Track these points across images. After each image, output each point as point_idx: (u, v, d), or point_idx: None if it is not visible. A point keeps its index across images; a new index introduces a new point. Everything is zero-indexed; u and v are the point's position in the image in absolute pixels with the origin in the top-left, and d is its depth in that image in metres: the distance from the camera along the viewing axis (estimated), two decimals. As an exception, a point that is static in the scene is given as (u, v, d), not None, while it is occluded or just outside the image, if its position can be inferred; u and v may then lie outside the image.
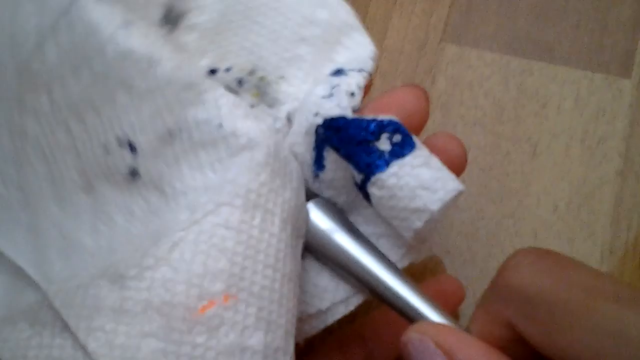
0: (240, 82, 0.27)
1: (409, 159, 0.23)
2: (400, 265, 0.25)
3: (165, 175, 0.24)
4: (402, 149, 0.23)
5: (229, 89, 0.26)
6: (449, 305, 0.29)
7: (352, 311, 0.25)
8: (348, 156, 0.23)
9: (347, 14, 0.27)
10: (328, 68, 0.27)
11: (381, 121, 0.23)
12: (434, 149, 0.24)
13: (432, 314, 0.23)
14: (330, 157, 0.24)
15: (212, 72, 0.27)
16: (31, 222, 0.26)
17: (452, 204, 0.23)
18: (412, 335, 0.21)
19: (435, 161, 0.23)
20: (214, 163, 0.23)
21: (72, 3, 0.24)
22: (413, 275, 0.28)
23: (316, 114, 0.24)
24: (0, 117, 0.26)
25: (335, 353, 0.28)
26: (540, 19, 0.35)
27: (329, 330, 0.26)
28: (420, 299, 0.23)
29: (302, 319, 0.25)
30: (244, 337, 0.20)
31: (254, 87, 0.27)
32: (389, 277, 0.24)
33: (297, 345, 0.24)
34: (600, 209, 0.32)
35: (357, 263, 0.24)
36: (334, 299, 0.25)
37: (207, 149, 0.24)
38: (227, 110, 0.23)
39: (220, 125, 0.23)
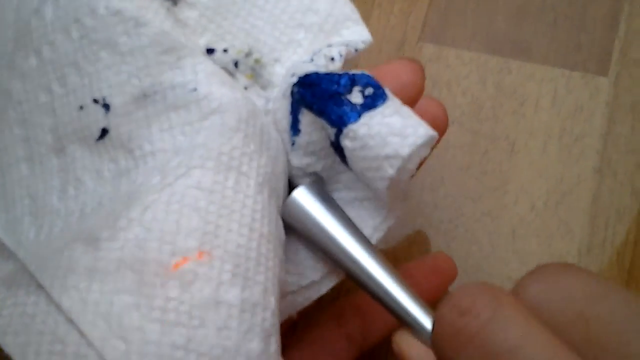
0: (236, 63, 0.27)
1: (380, 109, 0.23)
2: (384, 227, 0.25)
3: (134, 136, 0.24)
4: (373, 100, 0.23)
5: (225, 69, 0.27)
6: (443, 283, 0.29)
7: (348, 283, 0.26)
8: (321, 111, 0.24)
9: (347, 6, 0.28)
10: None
11: (353, 75, 0.23)
12: (414, 110, 0.24)
13: (414, 310, 0.23)
14: (305, 120, 0.25)
15: (209, 51, 0.27)
16: (2, 186, 0.26)
17: (425, 152, 0.23)
18: (393, 344, 0.23)
19: (406, 110, 0.23)
20: (184, 126, 0.24)
21: None
22: (400, 251, 0.29)
23: (292, 75, 0.25)
24: None
25: (332, 325, 0.28)
26: (517, 18, 0.35)
27: (325, 302, 0.26)
28: (405, 293, 0.23)
29: (295, 292, 0.25)
30: (220, 292, 0.20)
31: (249, 68, 0.27)
32: (373, 268, 0.24)
33: (291, 318, 0.25)
34: (577, 207, 0.32)
35: (340, 250, 0.24)
36: (326, 269, 0.25)
37: (179, 111, 0.24)
38: (204, 76, 0.24)
39: (195, 89, 0.24)
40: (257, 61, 0.27)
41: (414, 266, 0.30)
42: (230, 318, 0.20)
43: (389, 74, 0.25)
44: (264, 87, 0.27)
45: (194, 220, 0.21)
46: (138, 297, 0.20)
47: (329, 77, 0.24)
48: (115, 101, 0.25)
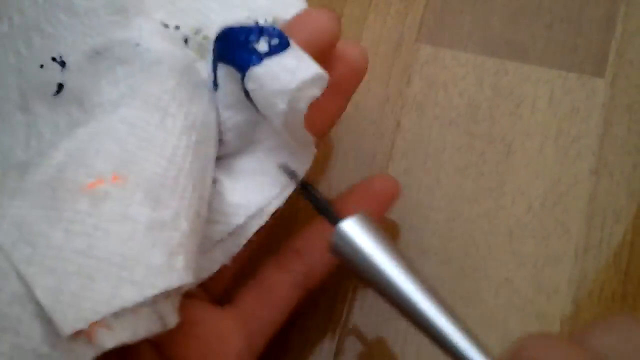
0: (186, 40, 0.29)
1: (280, 55, 0.25)
2: (301, 170, 0.27)
3: (86, 90, 0.27)
4: (277, 48, 0.25)
5: (175, 44, 0.29)
6: (380, 205, 0.30)
7: (284, 226, 0.28)
8: (231, 60, 0.26)
9: None
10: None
11: (262, 27, 0.25)
12: (334, 54, 0.27)
13: (471, 353, 0.22)
14: (221, 73, 0.26)
15: (163, 26, 0.29)
16: None
17: (315, 92, 0.25)
18: None
19: (304, 55, 0.25)
20: (128, 78, 0.26)
21: None
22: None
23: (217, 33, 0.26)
24: None
25: (274, 271, 0.29)
26: (514, 19, 0.35)
27: (264, 250, 0.29)
28: (461, 334, 0.23)
29: (223, 240, 0.27)
30: (128, 210, 0.23)
31: (197, 44, 0.29)
32: (427, 306, 0.24)
33: (227, 266, 0.27)
34: (574, 208, 0.32)
35: (392, 287, 0.24)
36: (248, 212, 0.27)
37: (124, 65, 0.27)
38: (147, 33, 0.27)
39: (138, 44, 0.26)
40: (204, 38, 0.29)
41: (350, 192, 0.30)
42: (135, 232, 0.22)
43: (304, 23, 0.27)
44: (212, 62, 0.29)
45: (112, 147, 0.24)
46: (49, 211, 0.22)
47: (241, 29, 0.26)
48: (70, 59, 0.27)
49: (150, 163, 0.24)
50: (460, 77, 0.34)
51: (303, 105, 0.25)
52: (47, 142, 0.27)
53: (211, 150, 0.27)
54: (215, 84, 0.27)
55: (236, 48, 0.25)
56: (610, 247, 0.31)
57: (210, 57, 0.27)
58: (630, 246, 0.31)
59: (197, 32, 0.29)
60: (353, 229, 0.25)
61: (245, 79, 0.25)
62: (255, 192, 0.27)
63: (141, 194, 0.23)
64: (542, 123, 0.33)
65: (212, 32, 0.28)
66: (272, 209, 0.27)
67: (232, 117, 0.27)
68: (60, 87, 0.28)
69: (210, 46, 0.27)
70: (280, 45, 0.25)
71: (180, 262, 0.23)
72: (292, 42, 0.25)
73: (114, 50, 0.27)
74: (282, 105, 0.24)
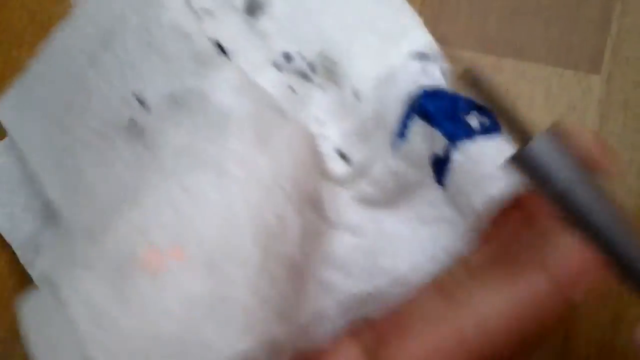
0: (311, 66, 0.30)
1: (493, 137, 0.24)
2: (454, 251, 0.26)
3: (156, 133, 0.28)
4: (488, 130, 0.25)
5: (301, 74, 0.30)
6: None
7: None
8: (438, 124, 0.25)
9: (410, 13, 0.31)
10: (397, 52, 0.29)
11: (473, 100, 0.26)
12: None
13: None
14: (415, 128, 0.26)
15: (287, 57, 0.30)
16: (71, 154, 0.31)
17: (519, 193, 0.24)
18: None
19: (510, 146, 0.24)
20: (193, 132, 0.26)
21: None
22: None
23: (416, 85, 0.27)
24: (74, 69, 0.31)
25: (346, 338, 0.27)
26: (510, 16, 0.35)
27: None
28: None
29: (360, 299, 0.26)
30: (188, 286, 0.22)
31: (323, 67, 0.30)
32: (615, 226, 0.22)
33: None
34: (570, 204, 0.32)
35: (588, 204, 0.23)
36: (393, 276, 0.26)
37: (192, 117, 0.27)
38: (226, 87, 0.27)
39: (209, 98, 0.27)
40: (330, 61, 0.30)
41: None
42: (194, 310, 0.22)
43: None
44: (337, 83, 0.29)
45: (171, 218, 0.24)
46: (114, 289, 0.22)
47: (454, 96, 0.26)
48: (149, 98, 0.28)
49: (208, 229, 0.23)
50: (457, 75, 0.34)
51: (507, 197, 0.24)
52: (116, 173, 0.28)
53: (286, 204, 0.25)
54: (403, 134, 0.27)
55: (447, 114, 0.25)
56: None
57: (405, 108, 0.26)
58: (626, 242, 0.31)
59: (321, 54, 0.30)
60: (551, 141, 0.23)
61: (454, 149, 0.24)
62: (403, 259, 0.26)
63: (200, 265, 0.23)
64: (539, 120, 0.33)
65: (338, 55, 0.29)
66: (416, 278, 0.26)
67: (404, 170, 0.27)
68: (134, 123, 0.29)
69: (400, 93, 0.27)
70: (493, 127, 0.25)
71: (246, 341, 0.22)
72: (502, 126, 0.25)
73: (188, 100, 0.27)
74: (492, 189, 0.23)
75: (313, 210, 0.26)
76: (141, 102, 0.28)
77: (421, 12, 0.36)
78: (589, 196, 0.22)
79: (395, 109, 0.27)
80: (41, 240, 0.33)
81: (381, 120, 0.27)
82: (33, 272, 0.33)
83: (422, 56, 0.28)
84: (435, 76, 0.27)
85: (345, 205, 0.27)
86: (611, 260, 0.22)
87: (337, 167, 0.28)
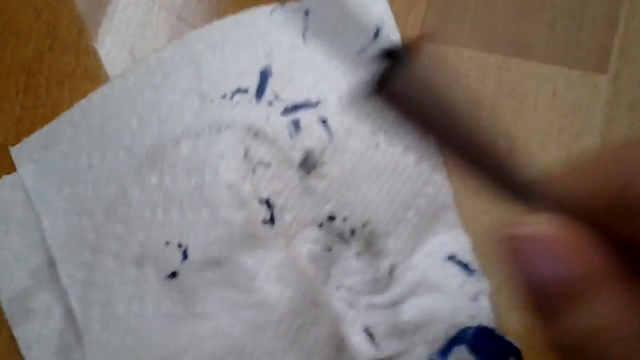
0: (353, 231, 0.31)
1: None
2: None
3: (194, 291, 0.28)
4: None
5: (341, 236, 0.31)
6: None
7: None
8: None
9: (448, 193, 0.32)
10: (431, 241, 0.31)
11: (517, 348, 0.28)
12: None
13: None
14: (457, 354, 0.29)
15: (331, 218, 0.31)
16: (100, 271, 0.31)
17: None
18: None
19: None
20: (232, 305, 0.28)
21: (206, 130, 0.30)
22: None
23: (470, 321, 0.29)
24: (113, 186, 0.32)
25: None
26: (517, 16, 0.35)
27: None
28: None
29: None
30: None
31: (363, 237, 0.31)
32: None
33: None
34: (577, 204, 0.32)
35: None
36: None
37: (233, 289, 0.28)
38: (267, 269, 0.28)
39: (253, 278, 0.28)
40: (372, 232, 0.31)
41: None
42: None
43: None
44: (375, 256, 0.31)
45: None
46: None
47: (502, 340, 0.29)
48: (194, 254, 0.29)
49: None
50: (463, 74, 0.34)
51: None
52: (147, 315, 0.29)
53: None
54: (445, 355, 0.29)
55: (490, 355, 0.28)
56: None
57: (455, 332, 0.29)
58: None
59: (364, 225, 0.31)
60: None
61: None
62: None
63: None
64: (545, 120, 0.33)
65: (379, 227, 0.30)
66: None
67: None
68: (174, 274, 0.29)
69: (443, 307, 0.29)
70: None
71: None
72: None
73: (232, 271, 0.28)
74: None
75: None
76: (185, 256, 0.29)
77: (427, 13, 0.36)
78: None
79: (436, 322, 0.29)
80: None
81: (424, 332, 0.29)
82: (17, 332, 0.32)
83: (457, 262, 0.31)
84: (484, 307, 0.29)
85: None
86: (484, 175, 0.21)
87: (363, 347, 0.30)
